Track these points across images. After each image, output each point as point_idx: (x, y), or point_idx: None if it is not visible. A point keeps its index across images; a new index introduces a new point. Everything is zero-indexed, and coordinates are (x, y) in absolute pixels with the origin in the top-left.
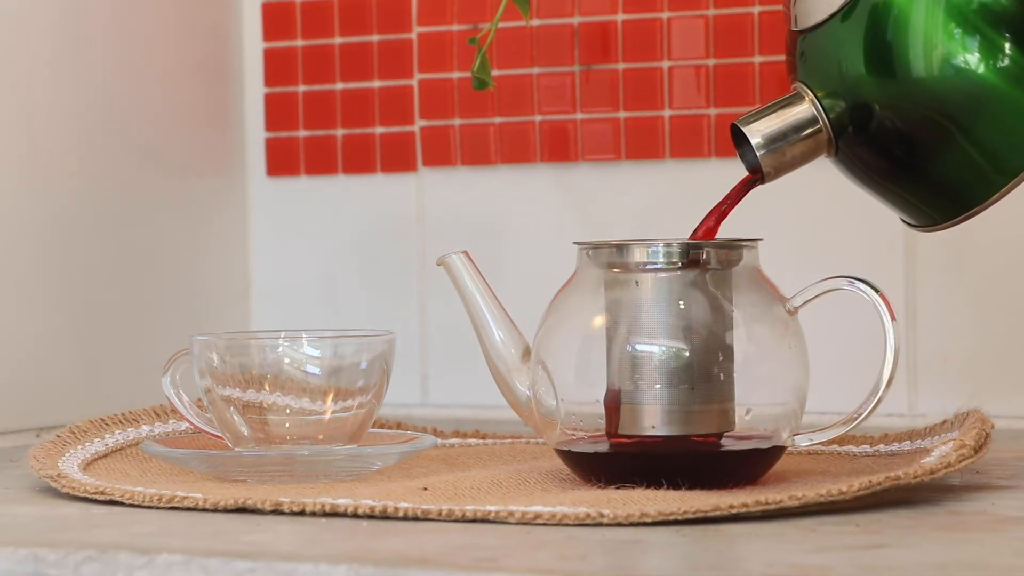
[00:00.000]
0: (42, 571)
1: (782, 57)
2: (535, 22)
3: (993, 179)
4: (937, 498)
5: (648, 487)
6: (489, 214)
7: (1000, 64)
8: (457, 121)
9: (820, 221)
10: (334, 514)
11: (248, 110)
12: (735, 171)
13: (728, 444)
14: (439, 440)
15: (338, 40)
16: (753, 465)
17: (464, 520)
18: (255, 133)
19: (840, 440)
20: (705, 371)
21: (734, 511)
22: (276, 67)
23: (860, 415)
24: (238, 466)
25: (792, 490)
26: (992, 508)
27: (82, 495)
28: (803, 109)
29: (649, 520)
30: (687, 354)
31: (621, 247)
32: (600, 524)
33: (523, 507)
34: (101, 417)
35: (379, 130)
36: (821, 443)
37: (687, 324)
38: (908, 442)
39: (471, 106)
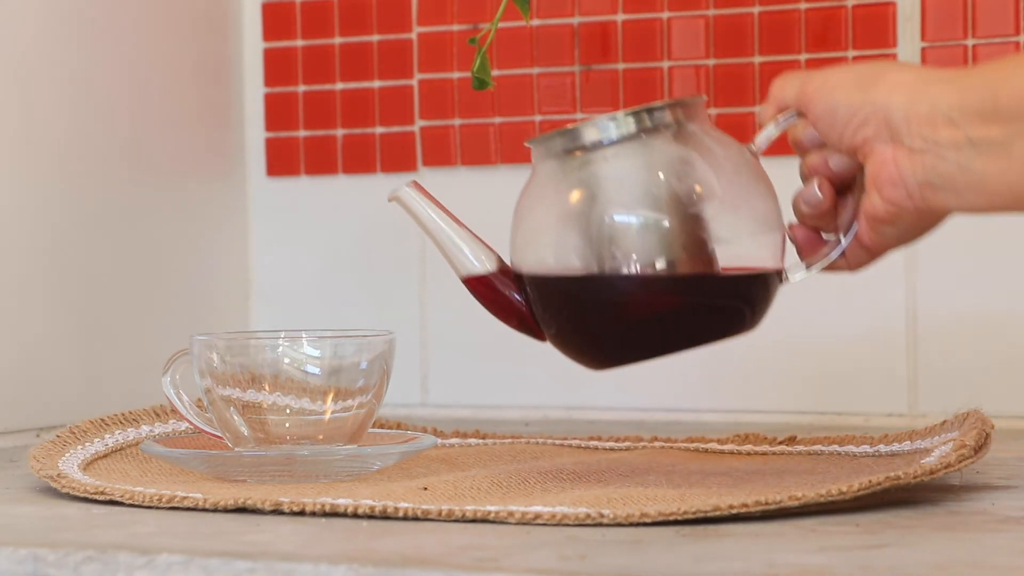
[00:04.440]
0: (42, 571)
1: (782, 57)
2: (535, 22)
3: None
4: (937, 498)
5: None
6: (489, 214)
7: None
8: (457, 121)
9: None
10: (334, 514)
11: (248, 110)
12: None
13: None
14: (439, 440)
15: (338, 40)
16: (753, 296)
17: (464, 520)
18: (255, 133)
19: (840, 440)
20: (691, 227)
21: (734, 511)
22: (276, 67)
23: (842, 243)
24: (238, 466)
25: (792, 490)
26: (992, 508)
27: (82, 495)
28: None
29: (649, 520)
30: (665, 213)
31: (576, 130)
32: (600, 524)
33: (523, 507)
34: (101, 417)
35: (379, 130)
36: (795, 280)
37: (661, 184)
38: (908, 442)
39: (471, 106)
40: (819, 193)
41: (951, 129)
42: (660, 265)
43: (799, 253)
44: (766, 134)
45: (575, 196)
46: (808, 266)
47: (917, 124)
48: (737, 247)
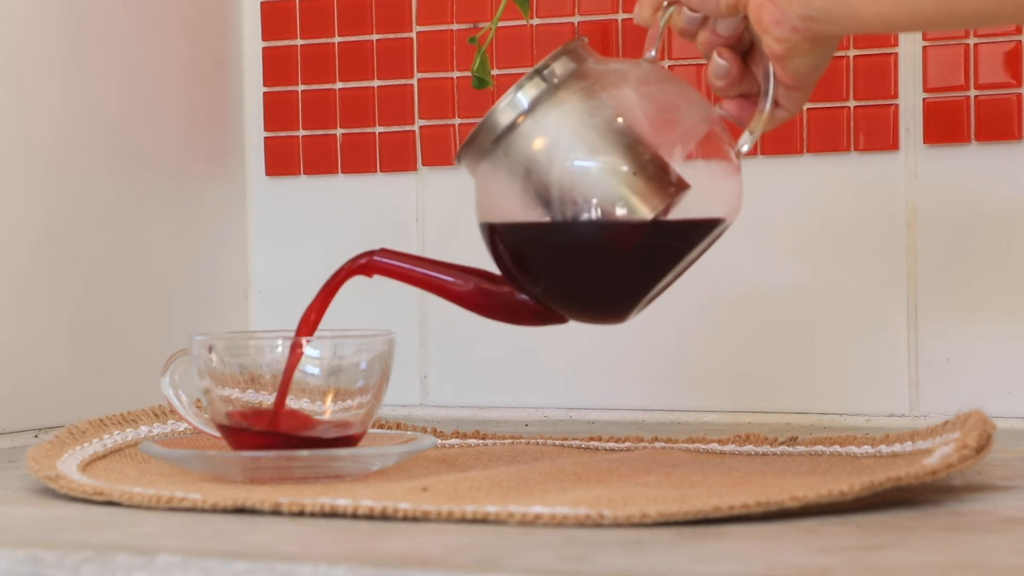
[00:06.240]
0: (41, 572)
1: None
2: (535, 21)
3: None
4: (938, 499)
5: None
6: None
7: None
8: (457, 121)
9: (821, 220)
10: (334, 514)
11: (247, 110)
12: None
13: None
14: (439, 440)
15: (337, 40)
16: (723, 188)
17: (464, 520)
18: (254, 133)
19: (841, 441)
20: (634, 151)
21: (735, 512)
22: (275, 67)
23: (769, 92)
24: (237, 467)
25: (793, 491)
26: (994, 509)
27: (81, 496)
28: None
29: (649, 521)
30: (612, 151)
31: (491, 118)
32: (600, 525)
33: (523, 507)
34: (100, 418)
35: (379, 130)
36: (746, 151)
37: (595, 122)
38: (910, 443)
39: (471, 106)
40: (722, 61)
41: None
42: (628, 199)
43: (740, 124)
44: (652, 34)
45: (526, 172)
46: (751, 131)
47: None
48: (685, 147)
